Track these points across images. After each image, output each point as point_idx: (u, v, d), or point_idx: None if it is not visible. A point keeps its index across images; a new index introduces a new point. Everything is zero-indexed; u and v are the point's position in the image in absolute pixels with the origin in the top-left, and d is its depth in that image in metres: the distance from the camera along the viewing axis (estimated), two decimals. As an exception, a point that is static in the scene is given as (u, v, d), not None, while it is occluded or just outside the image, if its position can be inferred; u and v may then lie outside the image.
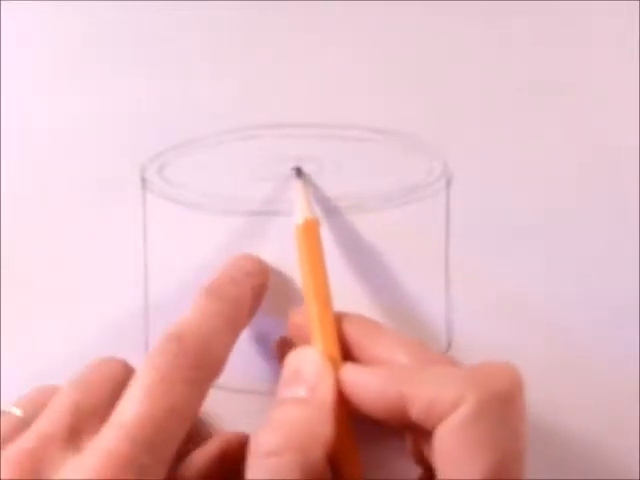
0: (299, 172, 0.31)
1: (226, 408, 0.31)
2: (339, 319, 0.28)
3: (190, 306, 0.27)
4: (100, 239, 0.31)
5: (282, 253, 0.31)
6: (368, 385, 0.26)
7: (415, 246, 0.31)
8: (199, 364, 0.25)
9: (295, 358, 0.27)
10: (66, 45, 0.31)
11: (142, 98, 0.31)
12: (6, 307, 0.31)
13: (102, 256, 0.31)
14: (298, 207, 0.30)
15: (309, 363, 0.26)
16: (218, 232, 0.31)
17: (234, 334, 0.28)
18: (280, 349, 0.30)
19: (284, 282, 0.31)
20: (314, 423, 0.25)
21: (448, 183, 0.31)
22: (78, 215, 0.31)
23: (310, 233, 0.29)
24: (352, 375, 0.26)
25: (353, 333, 0.28)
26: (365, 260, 0.31)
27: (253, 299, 0.29)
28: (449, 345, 0.31)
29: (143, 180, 0.31)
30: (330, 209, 0.31)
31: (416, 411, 0.24)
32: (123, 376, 0.27)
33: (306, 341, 0.28)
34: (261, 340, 0.31)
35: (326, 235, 0.30)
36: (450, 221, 0.31)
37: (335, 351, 0.27)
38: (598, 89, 0.31)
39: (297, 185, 0.30)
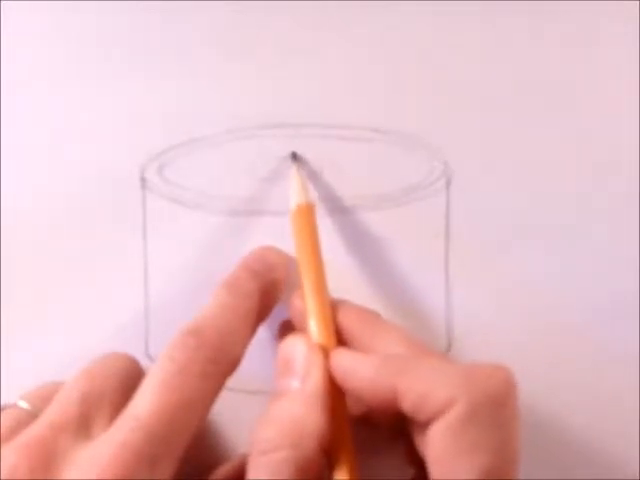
0: (294, 156, 0.31)
1: (234, 409, 0.31)
2: (337, 307, 0.28)
3: (209, 300, 0.27)
4: (100, 239, 0.31)
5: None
6: (359, 373, 0.25)
7: (415, 246, 0.31)
8: (216, 358, 0.25)
9: (286, 348, 0.27)
10: (66, 45, 0.31)
11: (142, 98, 0.31)
12: (6, 307, 0.31)
13: (102, 256, 0.31)
14: (292, 192, 0.30)
15: (299, 352, 0.26)
16: (218, 232, 0.31)
17: (252, 329, 0.28)
18: (282, 334, 0.30)
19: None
20: (305, 416, 0.24)
21: (448, 183, 0.31)
22: (78, 215, 0.31)
23: (304, 218, 0.29)
24: (343, 361, 0.26)
25: (350, 322, 0.28)
26: (365, 260, 0.31)
27: (271, 293, 0.29)
28: (449, 345, 0.31)
29: (143, 180, 0.31)
30: (330, 209, 0.31)
31: (407, 404, 0.24)
32: (129, 368, 0.28)
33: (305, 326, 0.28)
34: (266, 339, 0.31)
35: (326, 234, 0.30)
36: (450, 221, 0.31)
37: (329, 338, 0.27)
38: (598, 89, 0.31)
39: (292, 169, 0.30)
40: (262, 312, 0.28)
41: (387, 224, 0.31)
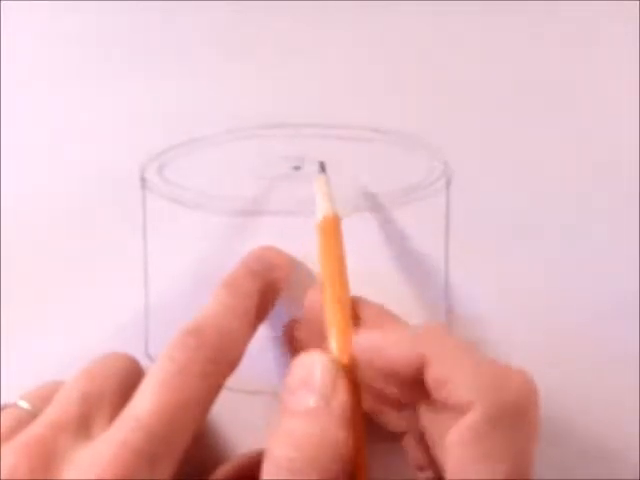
0: (322, 167, 0.30)
1: (234, 409, 0.31)
2: (356, 305, 0.28)
3: (209, 300, 0.27)
4: (100, 239, 0.31)
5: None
6: (387, 343, 0.25)
7: (415, 246, 0.31)
8: (216, 358, 0.25)
9: (304, 363, 0.25)
10: (66, 45, 0.31)
11: (142, 98, 0.31)
12: (6, 307, 0.31)
13: (102, 256, 0.31)
14: (319, 203, 0.29)
15: (320, 370, 0.25)
16: (218, 232, 0.31)
17: (252, 329, 0.28)
18: (288, 333, 0.30)
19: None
20: (332, 438, 0.24)
21: (448, 183, 0.31)
22: (78, 215, 0.31)
23: (330, 229, 0.28)
24: (368, 339, 0.25)
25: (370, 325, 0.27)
26: (364, 260, 0.31)
27: (271, 293, 0.29)
28: (449, 345, 0.31)
29: (143, 180, 0.31)
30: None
31: (432, 374, 0.24)
32: (129, 368, 0.28)
33: (320, 322, 0.27)
34: (266, 339, 0.31)
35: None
36: (450, 221, 0.31)
37: (349, 354, 0.26)
38: (598, 89, 0.31)
39: (320, 180, 0.30)
40: (262, 312, 0.28)
41: (387, 224, 0.31)
